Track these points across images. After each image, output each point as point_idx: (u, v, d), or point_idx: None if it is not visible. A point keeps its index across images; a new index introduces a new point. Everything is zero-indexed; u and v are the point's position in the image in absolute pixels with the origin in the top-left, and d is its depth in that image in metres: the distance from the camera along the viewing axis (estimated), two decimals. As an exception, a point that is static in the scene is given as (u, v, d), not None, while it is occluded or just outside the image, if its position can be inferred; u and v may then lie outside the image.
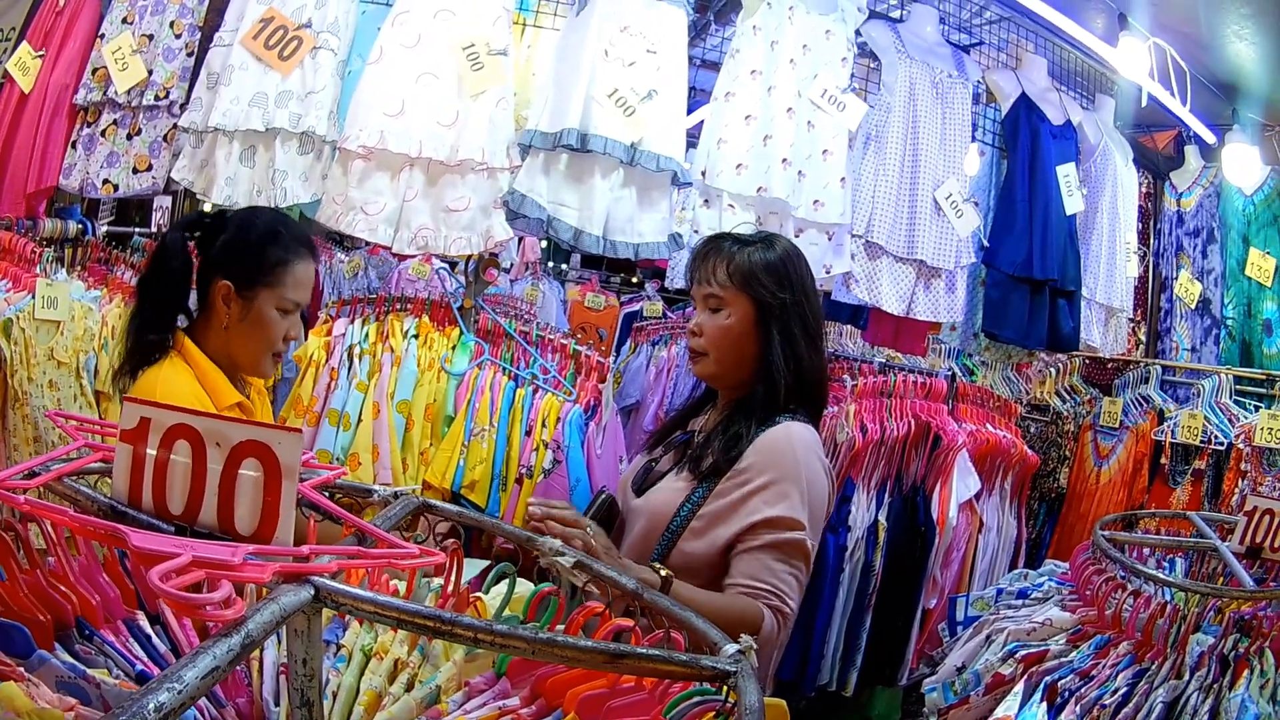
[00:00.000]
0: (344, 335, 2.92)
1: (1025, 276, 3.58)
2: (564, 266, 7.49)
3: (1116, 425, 4.24)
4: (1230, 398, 4.15)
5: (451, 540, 1.37)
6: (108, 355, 2.97)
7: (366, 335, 2.92)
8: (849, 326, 4.08)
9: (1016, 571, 2.56)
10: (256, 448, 0.89)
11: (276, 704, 1.13)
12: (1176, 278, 4.71)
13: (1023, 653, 1.85)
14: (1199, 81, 4.30)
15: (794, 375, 2.00)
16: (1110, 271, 4.02)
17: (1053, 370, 4.58)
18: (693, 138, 3.17)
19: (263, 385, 2.30)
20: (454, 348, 2.94)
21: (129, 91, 3.24)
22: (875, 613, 3.17)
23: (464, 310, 3.01)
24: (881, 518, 3.11)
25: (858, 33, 3.35)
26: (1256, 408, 4.04)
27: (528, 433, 2.88)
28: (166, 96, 3.22)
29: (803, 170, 3.13)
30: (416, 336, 2.93)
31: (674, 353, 4.45)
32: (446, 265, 4.39)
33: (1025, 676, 1.74)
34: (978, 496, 3.33)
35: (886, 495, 3.14)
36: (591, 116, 2.79)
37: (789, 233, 3.04)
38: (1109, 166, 4.03)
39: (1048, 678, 1.68)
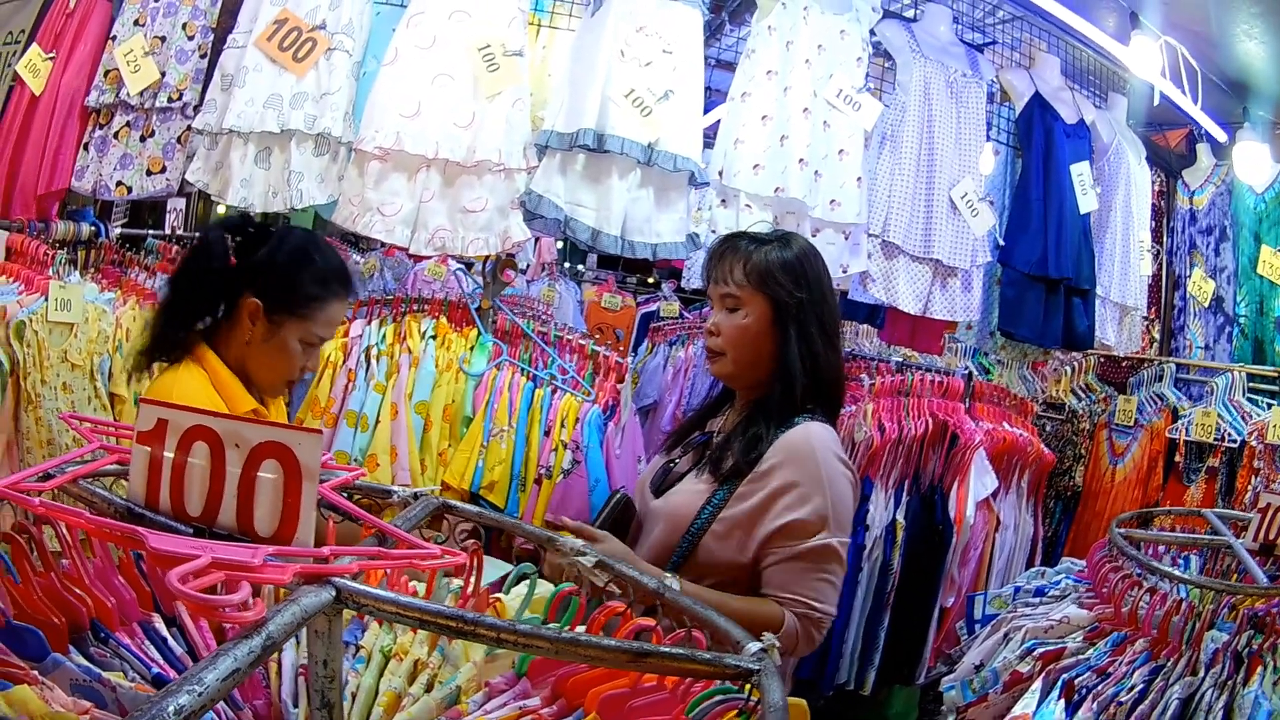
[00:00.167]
0: (361, 337, 2.92)
1: (1040, 275, 3.58)
2: (580, 267, 7.51)
3: (1131, 423, 4.23)
4: (1243, 395, 4.14)
5: (472, 540, 1.37)
6: (121, 358, 2.97)
7: (384, 336, 2.91)
8: (865, 326, 4.08)
9: (1034, 569, 2.56)
10: (276, 449, 0.88)
11: (295, 705, 1.13)
12: (1190, 276, 4.70)
13: (1040, 650, 1.85)
14: (1210, 80, 4.30)
15: (811, 374, 1.99)
16: (1124, 270, 4.01)
17: (1068, 369, 4.58)
18: (709, 138, 3.17)
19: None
20: (472, 348, 2.93)
21: (142, 93, 3.24)
22: (893, 612, 3.17)
23: (482, 311, 3.01)
24: (899, 517, 3.11)
25: (872, 32, 3.35)
26: (1269, 405, 4.04)
27: (546, 433, 2.87)
28: (180, 98, 3.21)
29: (819, 170, 3.13)
30: (434, 337, 2.92)
31: (691, 353, 4.44)
32: (463, 266, 4.39)
33: (1043, 674, 1.74)
34: (995, 495, 3.33)
35: (904, 494, 3.14)
36: (608, 117, 2.79)
37: (806, 232, 3.04)
38: (1122, 165, 4.03)
39: (1065, 675, 1.68)
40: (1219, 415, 4.03)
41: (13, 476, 0.91)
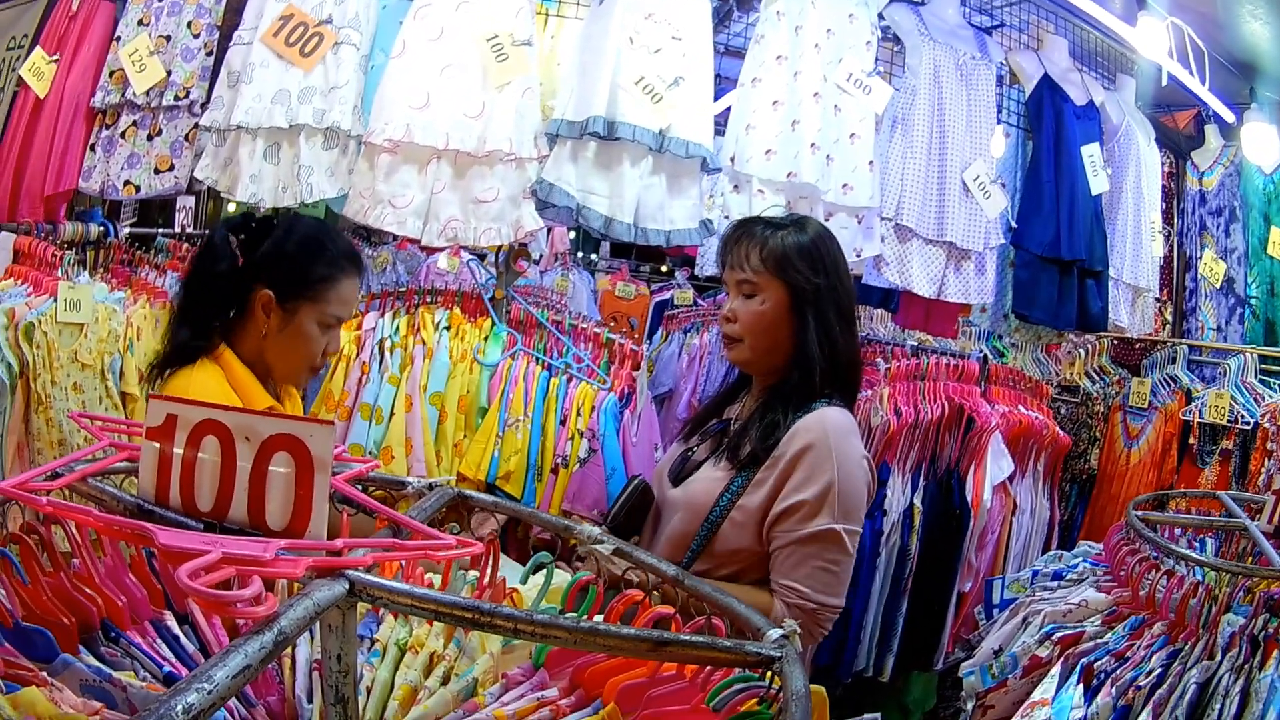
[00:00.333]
0: (374, 329, 2.91)
1: (1053, 257, 3.57)
2: (594, 256, 7.48)
3: (1145, 406, 4.21)
4: (1255, 377, 4.13)
5: (488, 532, 1.36)
6: (133, 357, 2.96)
7: (397, 329, 2.90)
8: (880, 310, 4.06)
9: (1051, 553, 2.55)
10: (287, 441, 0.87)
11: (309, 701, 1.11)
12: (1200, 257, 4.69)
13: (1059, 634, 1.85)
14: (1217, 61, 4.30)
15: (829, 360, 1.98)
16: (1136, 251, 4.01)
17: (1082, 351, 4.56)
18: (719, 125, 3.16)
19: (294, 389, 2.27)
20: (486, 339, 2.92)
21: (148, 92, 3.24)
22: (911, 597, 3.15)
23: (495, 301, 3.00)
24: (917, 501, 3.09)
25: (880, 16, 3.35)
26: (1280, 387, 4.03)
27: (562, 422, 2.86)
28: (186, 96, 3.21)
29: (831, 154, 3.12)
30: (448, 328, 2.91)
31: (706, 340, 4.43)
32: (476, 257, 4.38)
33: (1062, 659, 1.74)
34: (1011, 478, 3.32)
35: (921, 478, 3.12)
36: (618, 104, 2.78)
37: (819, 217, 3.02)
38: (1132, 146, 4.02)
39: (1084, 659, 1.68)
40: (1232, 397, 4.02)
41: (20, 476, 0.90)
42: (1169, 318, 4.97)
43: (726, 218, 3.02)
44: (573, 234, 6.46)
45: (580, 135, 2.79)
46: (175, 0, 3.29)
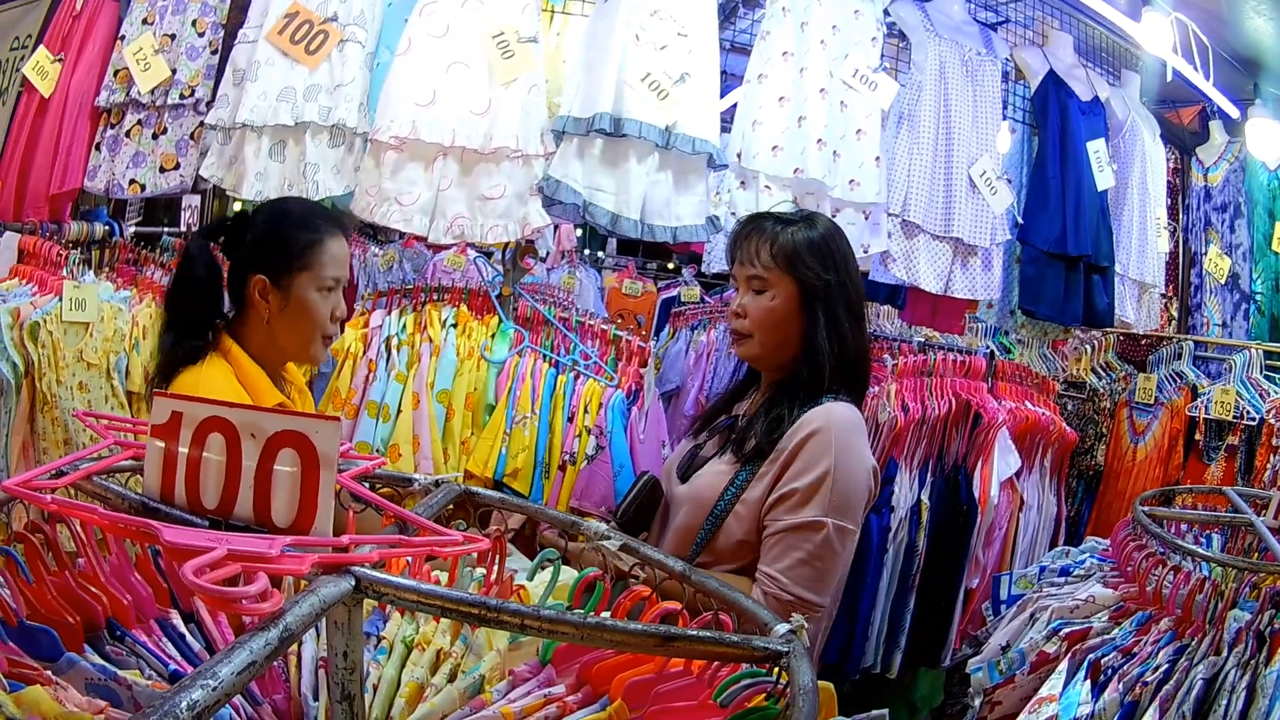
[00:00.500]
0: (381, 327, 2.91)
1: (1060, 253, 3.57)
2: (600, 253, 7.48)
3: (1151, 402, 4.21)
4: (1260, 373, 4.12)
5: (495, 528, 1.35)
6: (139, 356, 2.96)
7: (404, 326, 2.90)
8: (887, 307, 4.06)
9: (1058, 549, 2.56)
10: (293, 438, 0.86)
11: (315, 699, 1.11)
12: (1206, 253, 4.70)
13: (1067, 630, 1.86)
14: (1221, 57, 4.29)
15: (838, 356, 1.98)
16: (1142, 247, 4.01)
17: (1088, 347, 4.56)
18: (725, 122, 3.16)
19: (303, 384, 2.27)
20: (493, 336, 2.92)
21: (153, 91, 3.24)
22: (918, 594, 3.15)
23: (503, 298, 3.00)
24: (924, 497, 3.09)
25: (886, 12, 3.34)
26: (1286, 382, 4.03)
27: (570, 419, 2.86)
28: (192, 95, 3.21)
29: (837, 150, 3.12)
30: (455, 326, 2.91)
31: (713, 337, 4.42)
32: (483, 254, 4.38)
33: (1069, 654, 1.74)
34: (1018, 474, 3.31)
35: (929, 475, 3.12)
36: (624, 101, 2.77)
37: (826, 213, 3.01)
38: (1137, 142, 4.02)
39: (1091, 655, 1.69)
40: (1237, 393, 4.01)
41: (25, 474, 0.90)
42: (1174, 313, 4.97)
43: (733, 214, 3.02)
44: (579, 231, 6.46)
45: (587, 132, 2.79)
46: (180, -1, 3.29)
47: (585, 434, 2.84)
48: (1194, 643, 1.62)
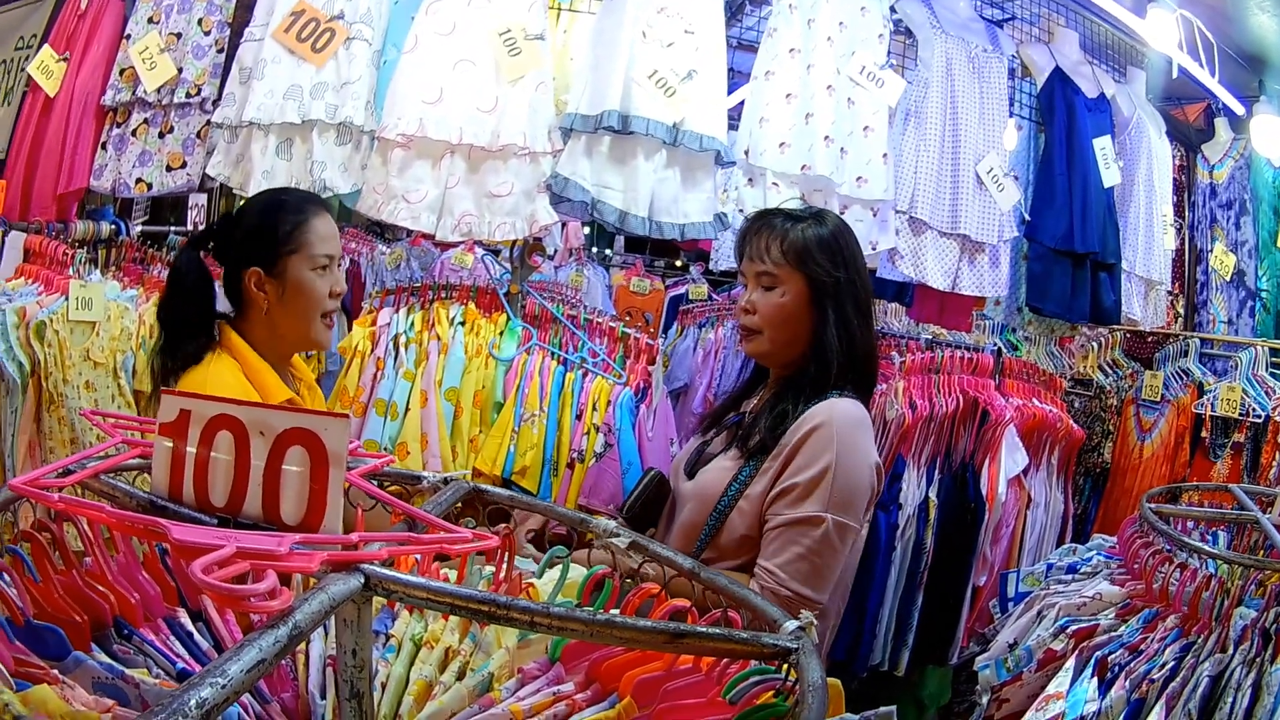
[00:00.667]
0: (389, 325, 2.90)
1: (1067, 250, 3.57)
2: (608, 251, 7.47)
3: (1158, 399, 4.20)
4: (1266, 370, 4.12)
5: (504, 525, 1.35)
6: (145, 355, 2.96)
7: (412, 324, 2.89)
8: (894, 304, 4.06)
9: (1065, 546, 2.56)
10: (302, 435, 0.86)
11: (323, 697, 1.10)
12: (1211, 250, 4.70)
13: (1074, 628, 1.85)
14: (1226, 53, 4.30)
15: (847, 353, 1.98)
16: (1148, 244, 4.01)
17: (1095, 344, 4.55)
18: (733, 119, 3.16)
19: (313, 380, 2.27)
20: (501, 334, 2.91)
21: (159, 90, 3.24)
22: (926, 591, 3.14)
23: (511, 296, 2.99)
24: (932, 495, 3.08)
25: (892, 9, 3.35)
26: (1292, 379, 4.02)
27: (578, 417, 2.85)
28: (198, 93, 3.21)
29: (845, 147, 3.12)
30: (463, 323, 2.90)
31: (721, 335, 4.41)
32: (491, 252, 4.38)
33: (1076, 652, 1.74)
34: (1025, 472, 3.30)
35: (936, 472, 3.11)
36: (632, 98, 2.77)
37: (834, 209, 3.02)
38: (1143, 139, 4.02)
39: (1098, 653, 1.68)
40: (1243, 390, 4.01)
41: (32, 473, 0.89)
42: (1180, 311, 4.97)
43: (741, 211, 3.02)
44: (587, 229, 6.44)
45: (594, 129, 2.78)
46: (185, -3, 3.29)
47: (593, 432, 2.83)
48: (1200, 640, 1.62)
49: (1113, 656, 1.65)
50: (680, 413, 4.28)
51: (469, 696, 1.09)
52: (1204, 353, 4.34)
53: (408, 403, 2.80)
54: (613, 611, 1.23)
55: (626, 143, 2.81)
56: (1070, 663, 1.70)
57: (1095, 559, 2.26)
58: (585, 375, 2.91)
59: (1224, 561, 1.81)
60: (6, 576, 1.00)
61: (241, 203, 2.23)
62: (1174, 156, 4.62)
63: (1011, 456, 3.20)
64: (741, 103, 3.22)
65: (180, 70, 3.22)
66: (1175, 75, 4.04)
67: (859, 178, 3.14)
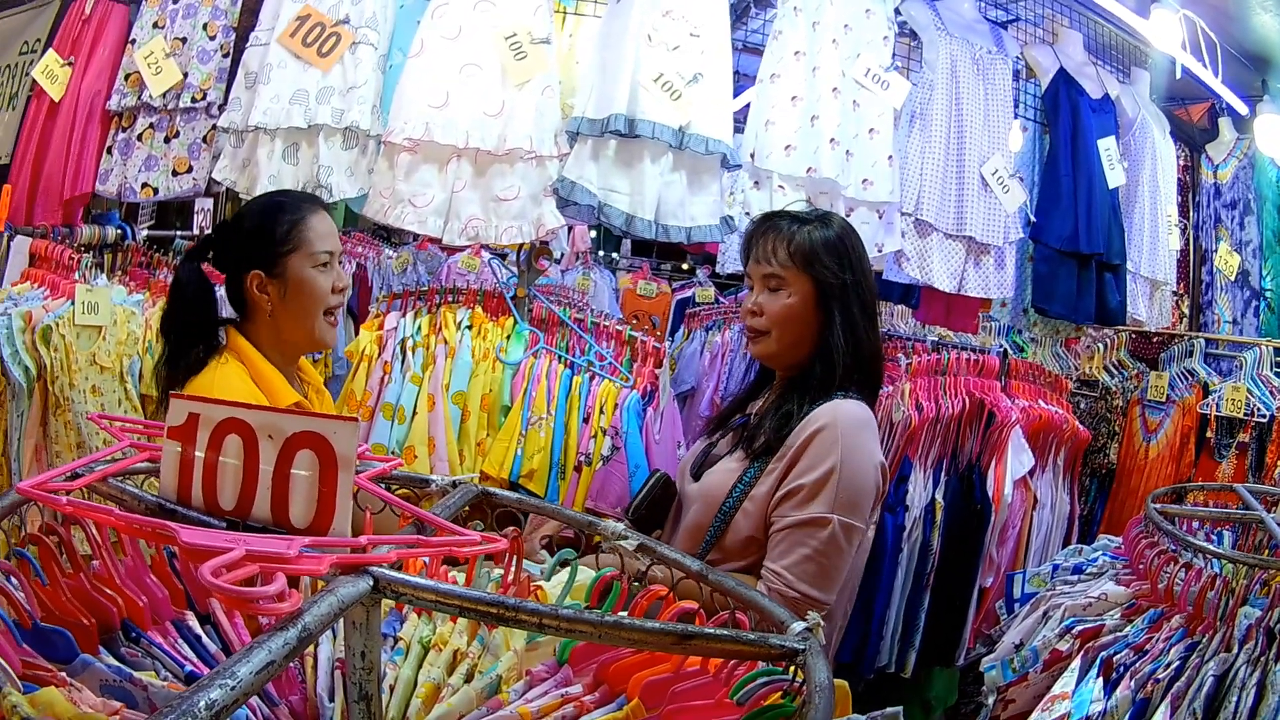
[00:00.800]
0: (396, 329, 2.91)
1: (1072, 251, 3.57)
2: (615, 255, 7.50)
3: (1163, 399, 4.20)
4: (1271, 370, 4.12)
5: (512, 528, 1.35)
6: (152, 359, 2.96)
7: (419, 328, 2.90)
8: (901, 306, 4.06)
9: (1071, 547, 2.56)
10: (311, 439, 0.86)
11: (331, 700, 1.10)
12: (1216, 250, 4.70)
13: (1079, 628, 1.85)
14: (1229, 53, 4.30)
15: (853, 355, 1.99)
16: (1153, 244, 4.01)
17: (1100, 345, 4.55)
18: (738, 122, 3.16)
19: (320, 384, 2.27)
20: (508, 337, 2.92)
21: (164, 95, 3.24)
22: (933, 593, 3.14)
23: (518, 299, 3.00)
24: (938, 496, 3.08)
25: (897, 11, 3.35)
26: (1297, 379, 4.02)
27: (585, 420, 2.86)
28: (204, 98, 3.21)
29: (850, 150, 3.12)
30: (470, 327, 2.91)
31: (728, 338, 4.41)
32: (498, 256, 4.39)
33: (1082, 652, 1.74)
34: (1031, 473, 3.30)
35: (943, 474, 3.11)
36: (638, 101, 2.78)
37: (840, 212, 3.02)
38: (1148, 139, 4.02)
39: (1104, 653, 1.68)
40: (1248, 390, 4.01)
41: (40, 476, 0.89)
42: (1185, 311, 4.97)
43: (747, 214, 3.02)
44: (594, 232, 6.47)
45: (601, 133, 2.79)
46: (190, 2, 3.29)
47: (600, 435, 2.84)
48: (1205, 640, 1.62)
49: (1118, 656, 1.66)
50: (687, 415, 4.28)
51: (477, 699, 1.10)
52: (1209, 353, 4.34)
53: (415, 406, 2.80)
54: (621, 614, 1.24)
55: (633, 146, 2.82)
56: (1076, 663, 1.71)
57: (1101, 559, 2.26)
58: (592, 378, 2.92)
59: (1229, 561, 1.82)
60: (14, 580, 1.00)
61: (236, 211, 2.24)
62: (1178, 157, 4.62)
63: (1018, 458, 3.20)
64: (747, 105, 3.22)
65: (185, 75, 3.21)
66: (1179, 75, 4.04)
67: (864, 180, 3.14)
